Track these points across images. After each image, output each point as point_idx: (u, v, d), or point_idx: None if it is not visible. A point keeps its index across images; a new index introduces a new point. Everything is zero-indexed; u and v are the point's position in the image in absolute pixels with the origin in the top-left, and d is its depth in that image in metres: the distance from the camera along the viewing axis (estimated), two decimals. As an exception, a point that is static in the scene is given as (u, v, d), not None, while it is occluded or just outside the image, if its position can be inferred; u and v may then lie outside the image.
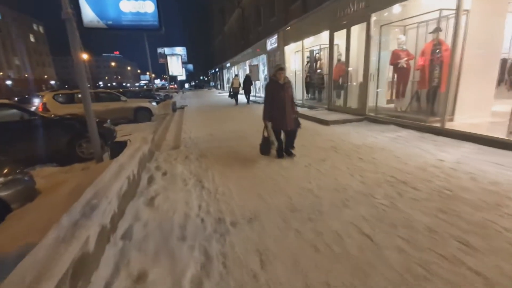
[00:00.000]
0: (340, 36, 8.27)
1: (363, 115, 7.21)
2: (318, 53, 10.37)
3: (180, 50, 47.19)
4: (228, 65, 29.65)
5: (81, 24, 3.89)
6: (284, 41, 12.49)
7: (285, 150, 4.39)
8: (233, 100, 14.51)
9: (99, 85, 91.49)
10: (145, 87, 52.93)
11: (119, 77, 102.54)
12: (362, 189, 3.04)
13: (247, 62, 21.36)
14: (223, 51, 34.93)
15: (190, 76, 76.75)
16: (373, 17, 6.62)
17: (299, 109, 9.89)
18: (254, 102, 14.61)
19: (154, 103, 12.11)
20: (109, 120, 6.83)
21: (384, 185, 3.12)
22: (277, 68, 4.10)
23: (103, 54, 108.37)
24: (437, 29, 5.46)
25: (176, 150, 5.31)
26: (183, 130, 7.63)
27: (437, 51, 5.46)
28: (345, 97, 8.15)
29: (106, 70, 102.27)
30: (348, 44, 7.65)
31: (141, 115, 11.40)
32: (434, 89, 5.72)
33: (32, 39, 58.86)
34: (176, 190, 3.31)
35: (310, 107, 10.19)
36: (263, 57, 16.97)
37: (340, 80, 9.03)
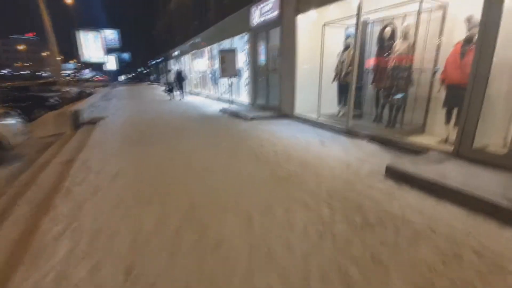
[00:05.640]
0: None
1: None
2: (390, 25, 4.96)
3: (111, 34, 37.40)
4: (176, 53, 22.49)
5: None
6: (297, 6, 6.74)
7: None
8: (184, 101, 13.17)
9: (5, 73, 72.22)
10: (68, 77, 40.21)
11: (31, 63, 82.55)
12: None
13: (207, 50, 14.97)
14: (169, 36, 27.25)
15: (127, 67, 64.96)
16: None
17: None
18: (236, 116, 8.53)
19: (12, 120, 5.13)
20: None
21: None
22: None
23: (12, 36, 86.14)
24: None
25: None
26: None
27: None
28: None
29: (19, 56, 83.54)
30: None
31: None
32: None
33: None
34: None
35: (384, 141, 4.68)
36: (238, 40, 10.91)
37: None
